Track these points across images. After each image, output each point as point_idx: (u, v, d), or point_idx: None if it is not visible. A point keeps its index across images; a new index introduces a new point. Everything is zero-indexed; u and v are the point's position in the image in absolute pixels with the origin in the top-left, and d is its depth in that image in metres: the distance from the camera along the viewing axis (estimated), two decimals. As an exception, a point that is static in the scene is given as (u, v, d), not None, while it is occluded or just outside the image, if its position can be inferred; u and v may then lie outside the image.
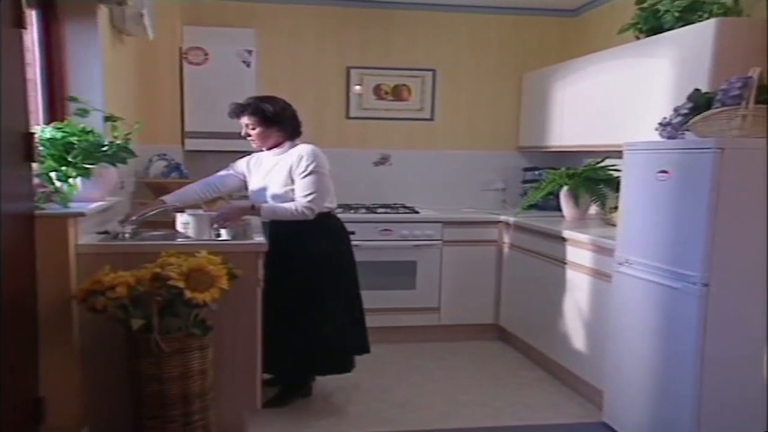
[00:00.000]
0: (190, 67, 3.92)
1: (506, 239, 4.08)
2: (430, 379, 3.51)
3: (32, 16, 2.73)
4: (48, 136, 2.53)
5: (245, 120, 2.99)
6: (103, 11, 2.98)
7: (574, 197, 3.89)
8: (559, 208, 4.06)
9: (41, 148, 2.47)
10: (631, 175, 2.79)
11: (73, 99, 2.75)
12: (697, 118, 2.55)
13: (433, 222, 4.07)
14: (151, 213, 2.80)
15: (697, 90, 2.67)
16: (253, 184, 3.07)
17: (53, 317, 2.27)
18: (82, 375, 2.38)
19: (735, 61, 2.68)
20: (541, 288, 3.62)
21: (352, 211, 4.06)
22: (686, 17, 3.03)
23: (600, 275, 3.06)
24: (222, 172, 3.18)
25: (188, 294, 2.14)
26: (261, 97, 3.03)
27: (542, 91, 4.33)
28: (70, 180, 2.50)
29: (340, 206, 3.28)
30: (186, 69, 3.91)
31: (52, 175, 2.46)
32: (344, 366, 3.13)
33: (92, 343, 2.37)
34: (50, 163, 2.48)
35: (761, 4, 2.85)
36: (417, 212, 4.20)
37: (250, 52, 4.00)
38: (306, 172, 2.89)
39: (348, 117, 4.53)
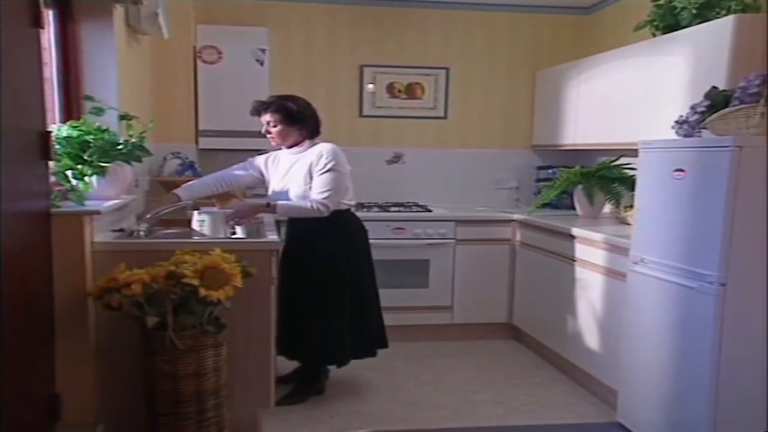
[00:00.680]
0: (204, 65, 3.94)
1: (519, 238, 4.06)
2: (442, 378, 3.51)
3: (49, 16, 2.75)
4: (64, 134, 2.56)
5: (267, 117, 3.00)
6: (118, 11, 3.00)
7: (588, 196, 3.86)
8: (572, 207, 4.04)
9: (58, 146, 2.49)
10: (646, 173, 2.76)
11: (89, 98, 2.78)
12: (714, 116, 2.52)
13: (446, 221, 4.06)
14: (166, 211, 2.81)
15: (714, 88, 2.63)
16: (273, 184, 3.09)
17: (69, 314, 2.29)
18: (98, 372, 2.39)
19: (753, 58, 2.64)
20: (555, 287, 3.60)
21: (365, 209, 4.06)
22: (704, 14, 3.00)
23: (614, 274, 3.03)
24: (237, 168, 3.19)
25: (203, 292, 2.15)
26: (283, 96, 3.05)
27: (556, 89, 4.30)
28: (86, 178, 2.53)
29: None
30: (200, 67, 3.92)
31: (68, 173, 2.49)
32: (343, 360, 3.12)
33: (107, 341, 2.39)
34: (66, 161, 2.51)
35: (781, 0, 2.82)
36: (430, 211, 4.19)
37: (263, 50, 4.00)
38: (324, 170, 2.91)
39: (361, 115, 4.53)
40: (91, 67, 2.97)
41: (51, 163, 2.33)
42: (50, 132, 2.31)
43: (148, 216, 2.73)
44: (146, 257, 2.33)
